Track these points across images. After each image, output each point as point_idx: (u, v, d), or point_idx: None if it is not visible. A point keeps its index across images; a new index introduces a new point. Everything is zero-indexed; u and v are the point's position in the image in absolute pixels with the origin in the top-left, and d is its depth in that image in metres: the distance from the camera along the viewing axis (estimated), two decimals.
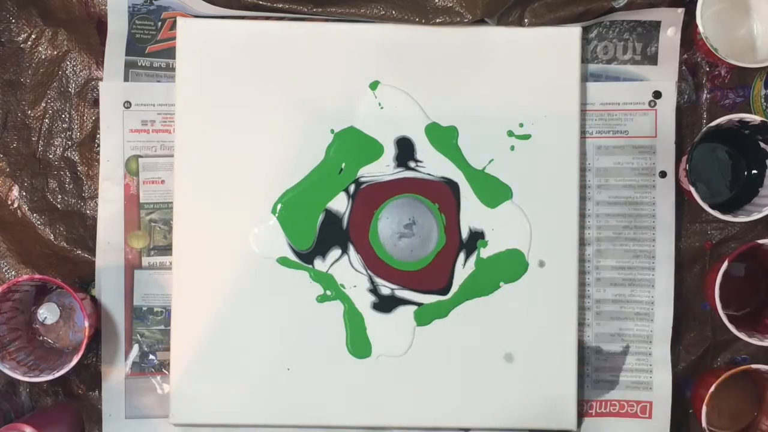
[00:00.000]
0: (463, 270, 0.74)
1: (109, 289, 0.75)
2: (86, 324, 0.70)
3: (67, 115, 0.76)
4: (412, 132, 0.75)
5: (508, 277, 0.74)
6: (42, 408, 0.76)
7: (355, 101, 0.75)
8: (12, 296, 0.71)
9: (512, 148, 0.75)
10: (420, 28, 0.75)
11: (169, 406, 0.74)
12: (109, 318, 0.75)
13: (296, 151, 0.74)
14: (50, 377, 0.70)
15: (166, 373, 0.75)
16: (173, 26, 0.75)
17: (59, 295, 0.75)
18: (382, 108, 0.75)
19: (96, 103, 0.76)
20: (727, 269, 0.70)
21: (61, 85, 0.76)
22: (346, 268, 0.74)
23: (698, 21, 0.71)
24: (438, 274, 0.74)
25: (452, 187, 0.75)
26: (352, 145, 0.75)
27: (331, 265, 0.74)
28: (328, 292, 0.74)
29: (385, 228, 0.74)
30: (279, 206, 0.74)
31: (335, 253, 0.74)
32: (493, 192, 0.74)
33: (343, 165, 0.75)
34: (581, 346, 0.75)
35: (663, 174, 0.76)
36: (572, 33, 0.75)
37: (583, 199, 0.76)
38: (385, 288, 0.74)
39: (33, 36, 0.76)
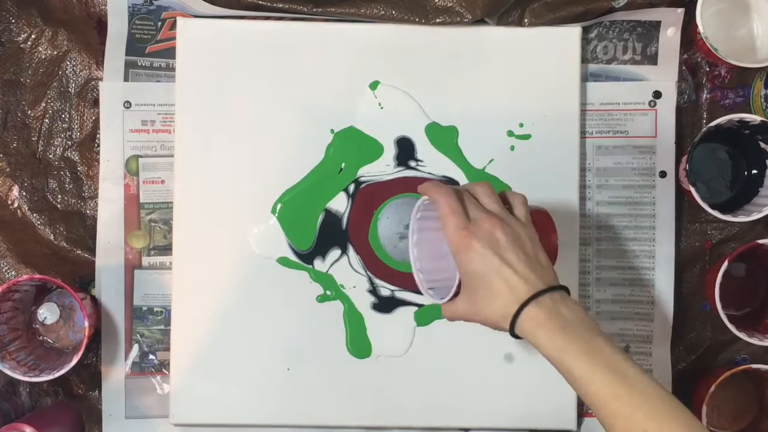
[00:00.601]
0: None
1: (109, 289, 0.75)
2: (86, 324, 0.70)
3: (67, 115, 0.76)
4: (412, 132, 0.75)
5: None
6: (42, 408, 0.75)
7: (355, 101, 0.75)
8: (12, 296, 0.71)
9: (512, 147, 0.75)
10: (420, 28, 0.74)
11: (169, 406, 0.74)
12: (109, 318, 0.75)
13: (296, 150, 0.74)
14: (50, 377, 0.70)
15: (166, 373, 0.75)
16: (173, 26, 0.75)
17: (59, 295, 0.75)
18: (382, 108, 0.75)
19: (96, 103, 0.76)
20: (727, 269, 0.70)
21: (61, 85, 0.76)
22: (345, 268, 0.74)
23: (698, 21, 0.71)
24: None
25: None
26: (352, 144, 0.74)
27: (331, 265, 0.74)
28: (328, 292, 0.74)
29: (385, 228, 0.74)
30: (279, 206, 0.74)
31: (335, 253, 0.74)
32: None
33: (343, 165, 0.75)
34: None
35: (663, 174, 0.76)
36: (572, 33, 0.75)
37: (583, 199, 0.76)
38: (385, 289, 0.74)
39: (33, 36, 0.76)
